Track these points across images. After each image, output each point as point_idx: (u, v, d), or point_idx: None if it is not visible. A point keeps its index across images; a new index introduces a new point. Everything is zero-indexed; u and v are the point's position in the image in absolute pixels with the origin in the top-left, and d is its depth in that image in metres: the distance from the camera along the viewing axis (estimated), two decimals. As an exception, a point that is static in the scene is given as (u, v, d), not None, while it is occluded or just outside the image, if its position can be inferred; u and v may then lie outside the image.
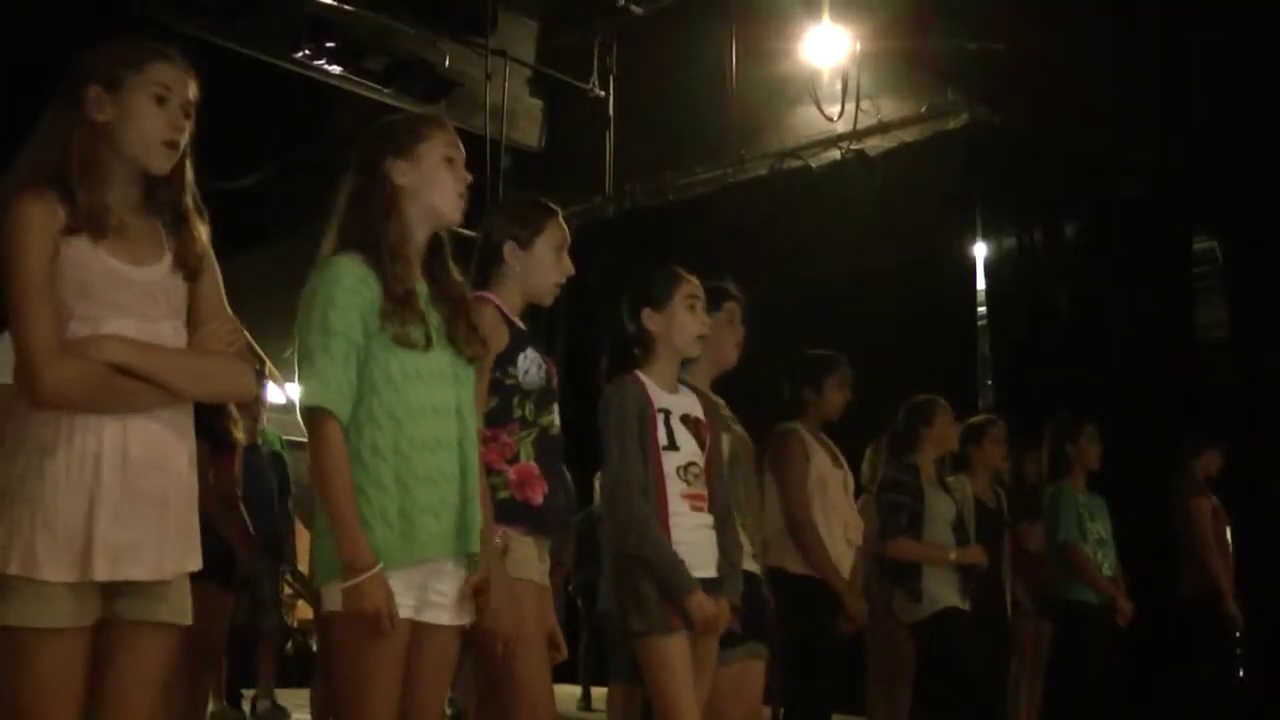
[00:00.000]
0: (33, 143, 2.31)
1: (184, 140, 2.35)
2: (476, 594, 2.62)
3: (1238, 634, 6.02)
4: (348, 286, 2.50)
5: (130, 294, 2.28)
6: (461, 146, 2.72)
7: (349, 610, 2.40)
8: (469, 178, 2.69)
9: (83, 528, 2.18)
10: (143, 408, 2.26)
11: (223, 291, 2.44)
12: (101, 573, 2.19)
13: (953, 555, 4.95)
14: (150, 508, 2.25)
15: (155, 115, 2.32)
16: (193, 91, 2.38)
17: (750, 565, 3.80)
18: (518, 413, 3.00)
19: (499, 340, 2.95)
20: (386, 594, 2.40)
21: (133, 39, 2.40)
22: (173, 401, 2.31)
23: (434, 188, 2.63)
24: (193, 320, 2.37)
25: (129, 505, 2.22)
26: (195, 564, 2.34)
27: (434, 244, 2.69)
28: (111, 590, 2.22)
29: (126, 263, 2.28)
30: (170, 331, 2.33)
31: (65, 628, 2.17)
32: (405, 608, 2.48)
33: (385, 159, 2.64)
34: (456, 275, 2.72)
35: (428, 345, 2.55)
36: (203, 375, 2.35)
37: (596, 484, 6.96)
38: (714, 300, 3.76)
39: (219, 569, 4.87)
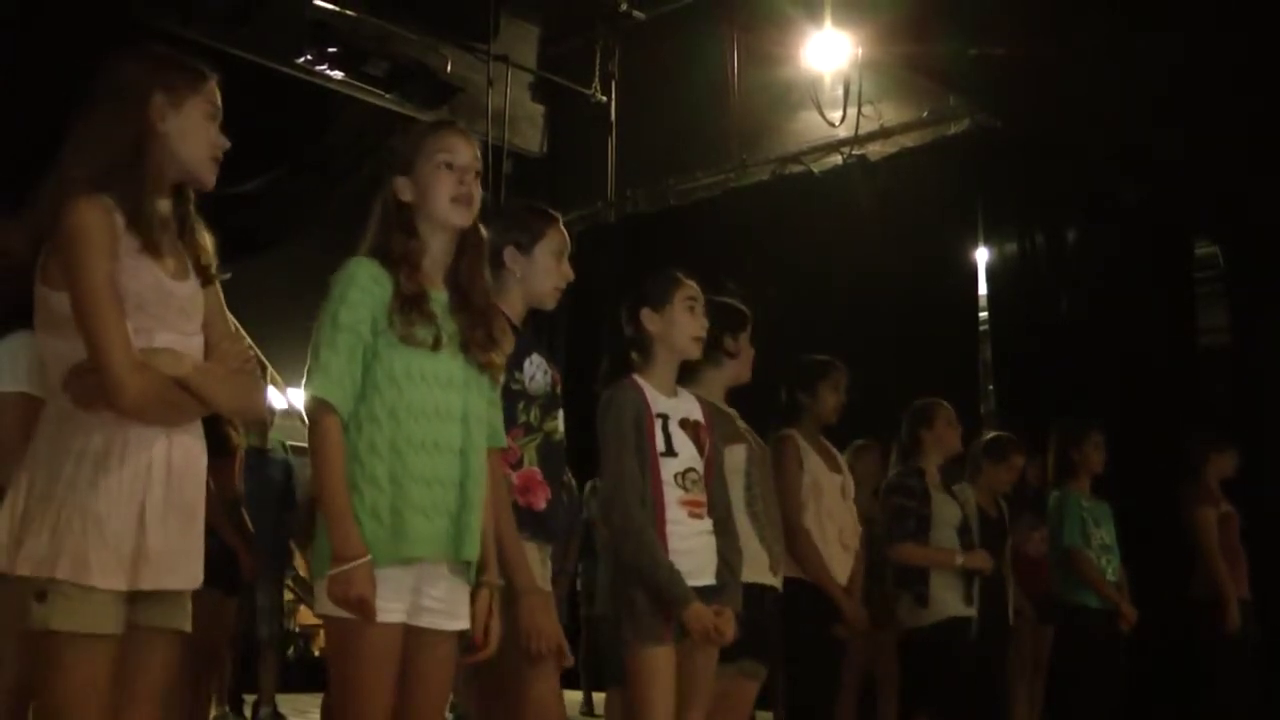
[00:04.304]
0: (87, 140, 2.32)
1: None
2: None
3: (1247, 639, 5.99)
4: (361, 284, 2.52)
5: (172, 308, 2.32)
6: (465, 149, 2.68)
7: (333, 596, 2.41)
8: (469, 178, 2.65)
9: (133, 537, 2.21)
10: (189, 421, 2.32)
11: (224, 303, 2.50)
12: (148, 581, 2.23)
13: (959, 560, 4.95)
14: (185, 518, 2.31)
15: (210, 131, 2.39)
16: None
17: (767, 579, 3.80)
18: (523, 418, 3.01)
19: (506, 345, 2.95)
20: (372, 583, 2.41)
21: (186, 54, 2.44)
22: (203, 414, 2.36)
23: (429, 198, 2.63)
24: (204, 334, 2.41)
25: (170, 516, 2.27)
26: (202, 575, 2.38)
27: (461, 251, 2.68)
28: (137, 598, 2.25)
29: (167, 276, 2.33)
30: (199, 345, 2.38)
31: (108, 634, 2.20)
32: (398, 611, 2.48)
33: (390, 174, 2.66)
34: (485, 289, 2.71)
35: (435, 346, 2.55)
36: (232, 392, 2.39)
37: (587, 489, 6.97)
38: (740, 320, 3.88)
39: (221, 574, 4.88)
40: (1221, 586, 5.89)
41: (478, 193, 2.67)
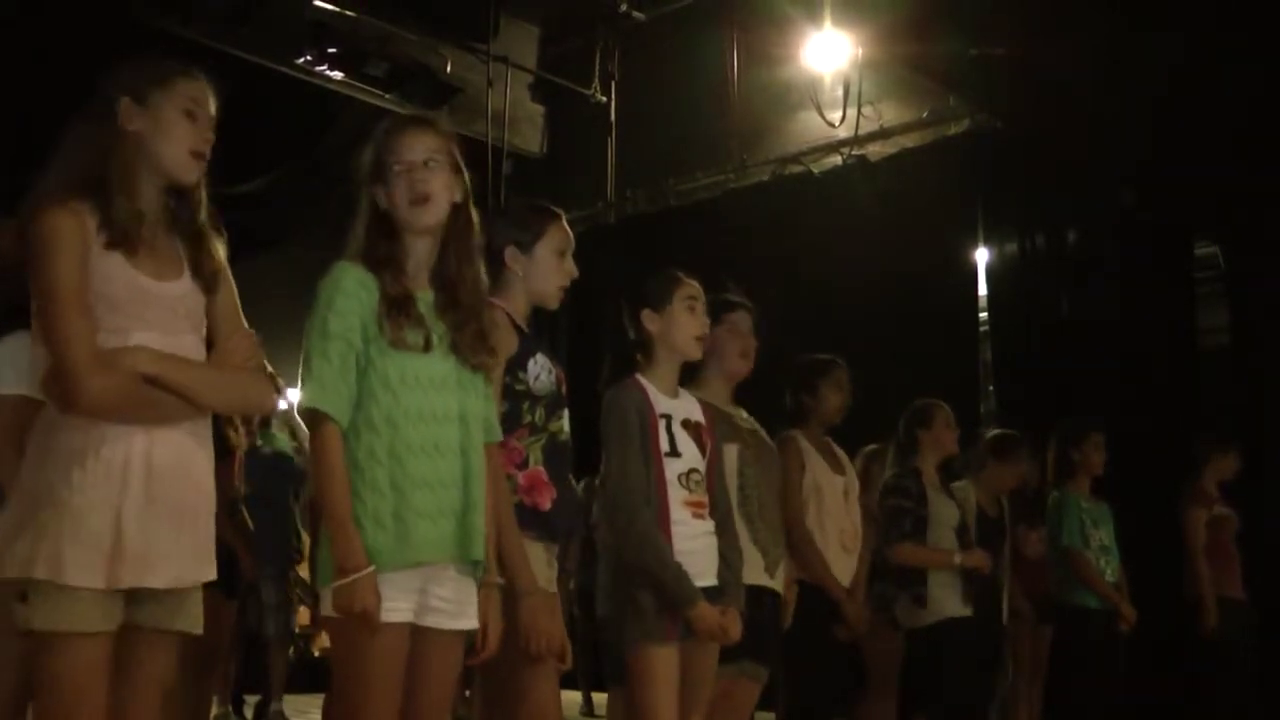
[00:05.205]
0: (62, 153, 2.34)
1: (208, 153, 2.41)
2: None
3: (1236, 639, 6.00)
4: (347, 290, 2.51)
5: (153, 308, 2.31)
6: (414, 143, 2.61)
7: (338, 608, 2.41)
8: (419, 174, 2.58)
9: (109, 535, 2.21)
10: (168, 419, 2.30)
11: (239, 305, 2.49)
12: (126, 580, 2.22)
13: (957, 559, 4.94)
14: (172, 517, 2.29)
15: (186, 127, 2.37)
16: (214, 108, 2.43)
17: (764, 580, 3.79)
18: (527, 418, 3.00)
19: (509, 345, 2.94)
20: (375, 595, 2.40)
21: (159, 56, 2.44)
22: (195, 413, 2.34)
23: (394, 206, 2.60)
24: (212, 334, 2.41)
25: (153, 514, 2.26)
26: (211, 574, 2.38)
27: (446, 248, 2.65)
28: (133, 597, 2.25)
29: (150, 277, 2.32)
30: (191, 345, 2.36)
31: (91, 631, 2.19)
32: (404, 612, 2.48)
33: (366, 179, 2.63)
34: (473, 283, 2.67)
35: (426, 348, 2.54)
36: (224, 388, 2.39)
37: (580, 485, 6.96)
38: (714, 311, 3.74)
39: (221, 574, 4.87)
40: (1198, 586, 5.90)
41: (437, 186, 2.60)
